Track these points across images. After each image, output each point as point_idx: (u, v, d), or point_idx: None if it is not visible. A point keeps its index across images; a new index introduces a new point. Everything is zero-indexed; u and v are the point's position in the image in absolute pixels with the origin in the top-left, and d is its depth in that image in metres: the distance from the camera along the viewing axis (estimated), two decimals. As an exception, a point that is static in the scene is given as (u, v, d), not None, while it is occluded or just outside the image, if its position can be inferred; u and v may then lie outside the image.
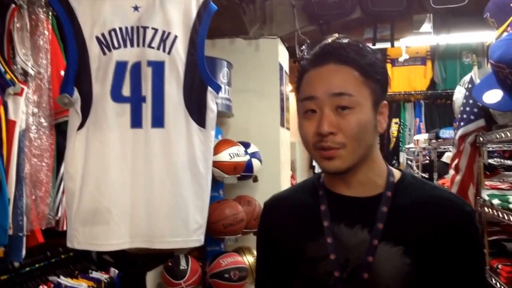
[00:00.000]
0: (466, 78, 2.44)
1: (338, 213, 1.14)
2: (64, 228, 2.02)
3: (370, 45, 1.16)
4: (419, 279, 1.08)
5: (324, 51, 1.11)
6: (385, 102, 1.13)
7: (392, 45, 4.06)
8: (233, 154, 2.71)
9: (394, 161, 6.83)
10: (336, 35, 1.16)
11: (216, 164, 2.56)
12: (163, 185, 1.99)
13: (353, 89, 1.06)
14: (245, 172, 2.85)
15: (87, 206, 1.94)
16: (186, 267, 2.60)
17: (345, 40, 1.11)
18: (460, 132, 2.24)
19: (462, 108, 2.26)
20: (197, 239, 2.07)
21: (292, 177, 3.76)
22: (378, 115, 1.11)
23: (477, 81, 2.14)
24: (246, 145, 2.95)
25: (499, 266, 1.97)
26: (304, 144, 1.13)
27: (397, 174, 1.17)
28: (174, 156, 2.00)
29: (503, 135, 1.73)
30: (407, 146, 6.23)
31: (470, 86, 2.24)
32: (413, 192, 1.14)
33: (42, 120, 2.00)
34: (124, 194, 1.97)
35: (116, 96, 1.98)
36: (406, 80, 7.07)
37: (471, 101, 2.20)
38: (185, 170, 2.02)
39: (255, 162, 2.95)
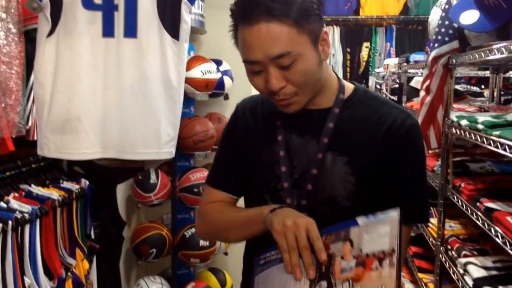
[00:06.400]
0: (443, -1, 2.42)
1: (291, 123, 1.21)
2: (35, 137, 1.99)
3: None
4: (360, 188, 1.15)
5: (250, 5, 1.05)
6: (324, 30, 1.12)
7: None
8: (205, 71, 2.68)
9: (363, 85, 6.84)
10: None
11: (187, 80, 2.53)
12: (135, 96, 1.96)
13: (290, 46, 1.05)
14: (217, 89, 2.84)
15: (57, 114, 1.92)
16: (156, 181, 2.64)
17: None
18: (433, 53, 2.25)
19: (437, 30, 2.26)
20: (168, 151, 2.08)
21: (263, 96, 3.78)
22: (320, 45, 1.11)
23: (454, 2, 2.13)
24: (218, 62, 2.91)
25: (462, 185, 2.03)
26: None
27: (349, 89, 1.23)
28: (146, 67, 1.96)
29: (477, 56, 1.75)
30: (376, 70, 6.25)
31: (446, 7, 2.23)
32: (361, 107, 1.20)
33: (11, 26, 1.89)
34: (95, 104, 1.94)
35: (88, 3, 1.90)
36: (379, 4, 6.96)
37: (446, 23, 2.20)
38: (158, 82, 1.99)
39: (226, 80, 2.93)
